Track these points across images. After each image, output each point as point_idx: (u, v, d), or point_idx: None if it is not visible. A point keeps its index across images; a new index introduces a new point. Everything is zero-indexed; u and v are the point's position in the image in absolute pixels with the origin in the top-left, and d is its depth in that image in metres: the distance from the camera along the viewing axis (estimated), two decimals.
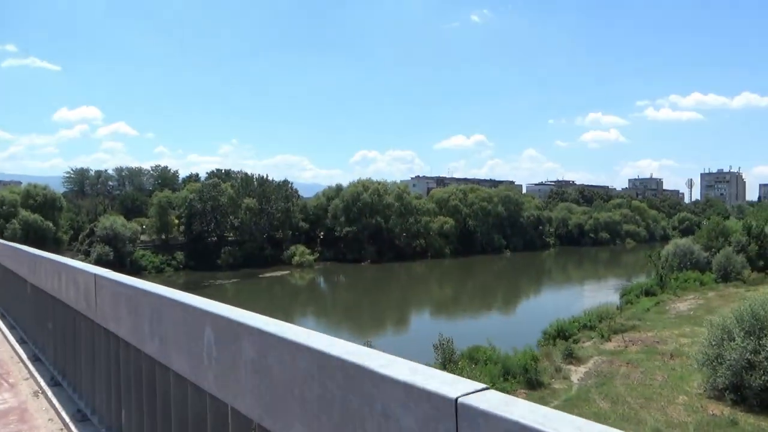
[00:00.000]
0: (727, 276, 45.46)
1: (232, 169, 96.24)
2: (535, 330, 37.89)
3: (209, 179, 78.59)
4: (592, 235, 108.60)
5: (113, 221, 60.24)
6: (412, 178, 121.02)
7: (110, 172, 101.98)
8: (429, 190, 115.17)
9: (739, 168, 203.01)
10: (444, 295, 61.88)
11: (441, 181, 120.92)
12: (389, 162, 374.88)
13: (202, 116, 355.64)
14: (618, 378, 21.10)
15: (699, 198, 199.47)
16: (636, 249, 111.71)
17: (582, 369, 22.60)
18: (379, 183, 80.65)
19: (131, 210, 74.38)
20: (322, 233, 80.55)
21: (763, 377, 16.80)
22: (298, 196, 78.80)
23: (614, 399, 18.50)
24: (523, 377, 19.75)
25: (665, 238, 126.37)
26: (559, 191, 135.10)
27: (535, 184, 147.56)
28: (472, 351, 22.34)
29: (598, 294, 52.19)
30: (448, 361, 20.59)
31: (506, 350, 31.93)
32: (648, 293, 40.47)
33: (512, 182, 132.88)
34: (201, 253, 65.58)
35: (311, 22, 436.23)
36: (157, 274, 59.39)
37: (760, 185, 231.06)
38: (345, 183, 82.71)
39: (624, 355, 24.48)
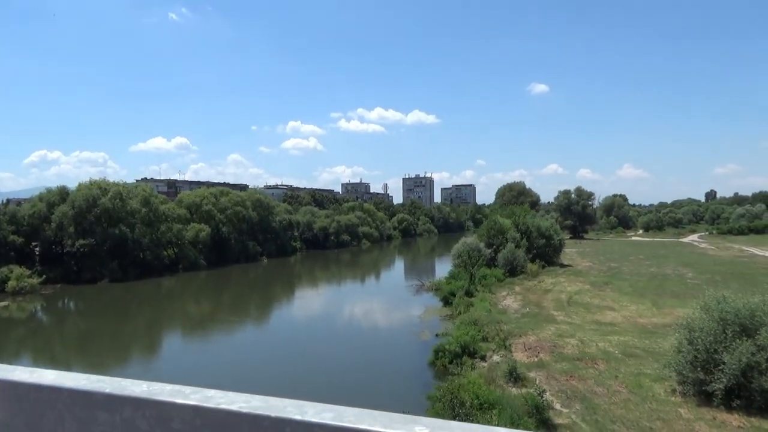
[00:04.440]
0: (513, 270, 49.51)
1: None
2: (374, 347, 34.83)
3: None
4: (333, 238, 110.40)
5: None
6: (138, 181, 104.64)
7: None
8: (160, 193, 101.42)
9: (431, 174, 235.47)
10: (224, 313, 53.28)
11: (172, 185, 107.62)
12: (76, 164, 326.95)
13: None
14: (592, 398, 19.16)
15: (400, 201, 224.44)
16: (370, 248, 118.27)
17: (545, 395, 20.02)
18: (120, 185, 66.24)
19: None
20: (38, 249, 62.40)
21: None
22: (8, 202, 59.31)
23: (641, 428, 16.29)
24: (537, 418, 16.08)
25: (390, 238, 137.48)
26: (293, 195, 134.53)
27: (268, 188, 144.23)
28: (451, 389, 17.53)
29: (399, 294, 51.60)
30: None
31: (363, 377, 28.07)
32: (468, 293, 40.83)
33: (247, 186, 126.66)
34: None
35: None
36: None
37: (442, 189, 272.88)
38: (18, 187, 66.31)
39: (551, 367, 22.91)
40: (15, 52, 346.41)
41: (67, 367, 34.00)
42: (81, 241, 59.47)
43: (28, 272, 53.87)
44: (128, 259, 63.92)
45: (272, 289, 64.71)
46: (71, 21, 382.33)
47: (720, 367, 17.44)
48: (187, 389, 1.46)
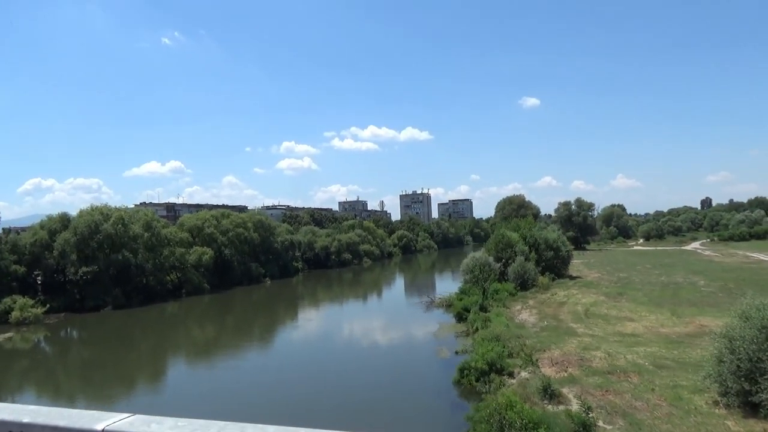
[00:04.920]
0: (524, 284, 48.96)
1: None
2: (393, 367, 33.88)
3: None
4: (335, 257, 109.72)
5: None
6: (136, 205, 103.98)
7: None
8: (160, 217, 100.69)
9: (428, 190, 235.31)
10: (228, 337, 52.29)
11: (171, 208, 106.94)
12: (70, 191, 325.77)
13: None
14: (634, 413, 18.60)
15: (397, 217, 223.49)
16: (372, 266, 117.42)
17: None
18: (122, 210, 65.68)
19: None
20: (40, 278, 61.52)
21: None
22: (9, 230, 58.56)
23: None
24: None
25: (390, 255, 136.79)
26: (293, 215, 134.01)
27: (266, 208, 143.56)
28: (498, 409, 16.93)
29: (409, 312, 50.87)
30: None
31: (390, 397, 27.28)
32: (482, 308, 40.25)
33: (246, 207, 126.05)
34: None
35: None
36: None
37: (439, 204, 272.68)
38: (13, 216, 65.82)
39: (583, 382, 22.35)
40: (7, 79, 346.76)
41: (70, 399, 33.08)
42: (84, 269, 58.65)
43: (31, 302, 52.96)
44: (131, 285, 63.08)
45: (277, 311, 63.83)
46: (64, 47, 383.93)
47: (766, 377, 16.93)
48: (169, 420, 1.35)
